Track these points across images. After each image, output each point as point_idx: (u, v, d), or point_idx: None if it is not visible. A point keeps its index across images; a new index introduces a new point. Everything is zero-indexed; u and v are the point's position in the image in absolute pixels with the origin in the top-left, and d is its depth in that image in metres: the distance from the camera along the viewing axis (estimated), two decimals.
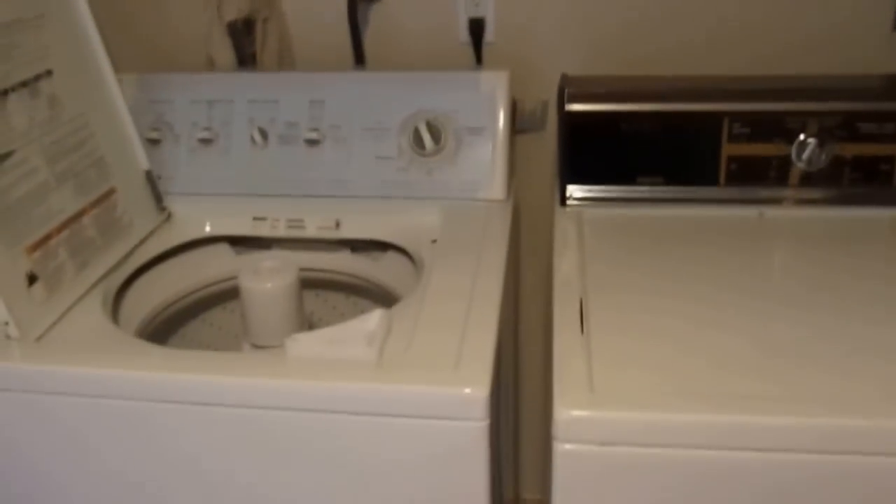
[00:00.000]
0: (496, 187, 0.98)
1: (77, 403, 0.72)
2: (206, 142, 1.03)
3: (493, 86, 0.98)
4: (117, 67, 0.94)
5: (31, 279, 0.78)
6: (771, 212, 0.95)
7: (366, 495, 0.71)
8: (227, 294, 1.04)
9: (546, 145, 1.14)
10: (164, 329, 0.98)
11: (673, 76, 1.03)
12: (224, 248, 1.04)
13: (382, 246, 0.99)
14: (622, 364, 0.69)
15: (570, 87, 0.96)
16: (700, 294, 0.78)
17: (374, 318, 0.73)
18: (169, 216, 1.00)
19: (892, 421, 0.62)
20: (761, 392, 0.65)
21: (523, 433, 1.32)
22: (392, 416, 0.67)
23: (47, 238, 0.81)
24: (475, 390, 0.66)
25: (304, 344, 0.72)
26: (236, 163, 1.03)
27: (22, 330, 0.75)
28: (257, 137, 1.02)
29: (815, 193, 0.96)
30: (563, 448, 0.64)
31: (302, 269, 0.92)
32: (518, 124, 1.11)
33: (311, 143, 1.01)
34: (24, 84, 0.81)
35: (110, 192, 0.91)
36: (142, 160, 0.97)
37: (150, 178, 0.98)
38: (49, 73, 0.85)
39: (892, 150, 0.94)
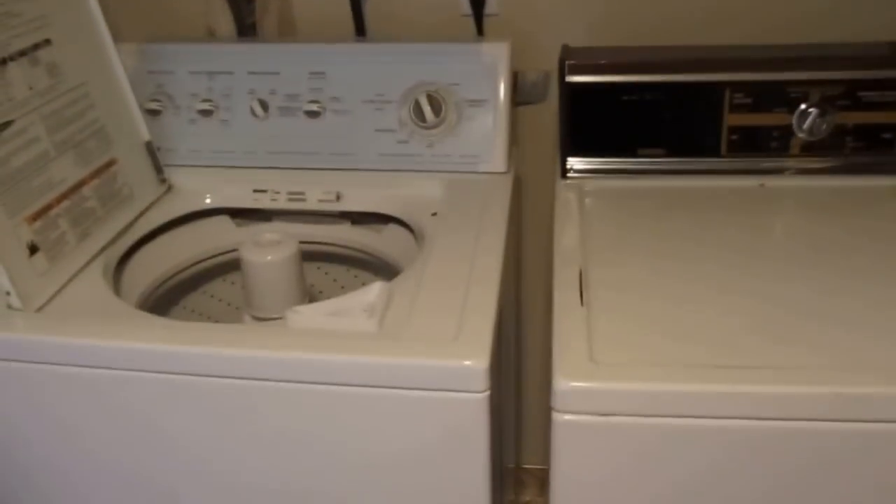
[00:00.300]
0: (497, 160, 0.98)
1: (79, 374, 0.73)
2: (206, 113, 1.03)
3: (495, 57, 0.97)
4: (117, 37, 0.94)
5: (33, 249, 0.78)
6: (772, 182, 0.95)
7: (366, 466, 0.72)
8: (229, 266, 1.04)
9: (548, 117, 1.13)
10: (165, 300, 0.99)
11: (674, 46, 1.02)
12: (225, 220, 1.04)
13: (383, 218, 0.99)
14: (622, 335, 0.69)
15: (570, 59, 0.95)
16: (701, 265, 0.78)
17: (375, 290, 0.74)
18: (169, 188, 1.00)
19: (889, 388, 0.62)
20: (761, 361, 0.65)
21: (525, 402, 1.33)
22: (392, 388, 0.68)
23: (48, 208, 0.81)
24: (475, 362, 0.66)
25: (305, 316, 0.72)
26: (237, 134, 1.02)
27: (24, 300, 0.75)
28: (258, 109, 1.01)
29: (816, 163, 0.95)
30: (562, 419, 0.65)
31: (302, 242, 0.92)
32: (519, 96, 1.10)
33: (312, 114, 1.00)
34: (22, 53, 0.81)
35: (111, 163, 0.91)
36: (142, 131, 0.97)
37: (151, 150, 0.98)
38: (48, 42, 0.85)
39: (894, 118, 0.93)
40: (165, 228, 0.97)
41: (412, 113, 0.98)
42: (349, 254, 1.04)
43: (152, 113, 1.03)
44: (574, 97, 0.96)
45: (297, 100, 1.01)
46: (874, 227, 0.84)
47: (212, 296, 1.06)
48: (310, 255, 1.04)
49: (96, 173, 0.89)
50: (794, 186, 0.94)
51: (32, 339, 0.73)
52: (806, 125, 0.94)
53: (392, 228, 0.99)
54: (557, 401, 0.64)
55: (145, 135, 0.97)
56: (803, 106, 0.93)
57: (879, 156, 0.94)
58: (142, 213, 0.95)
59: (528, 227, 1.21)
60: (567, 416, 0.65)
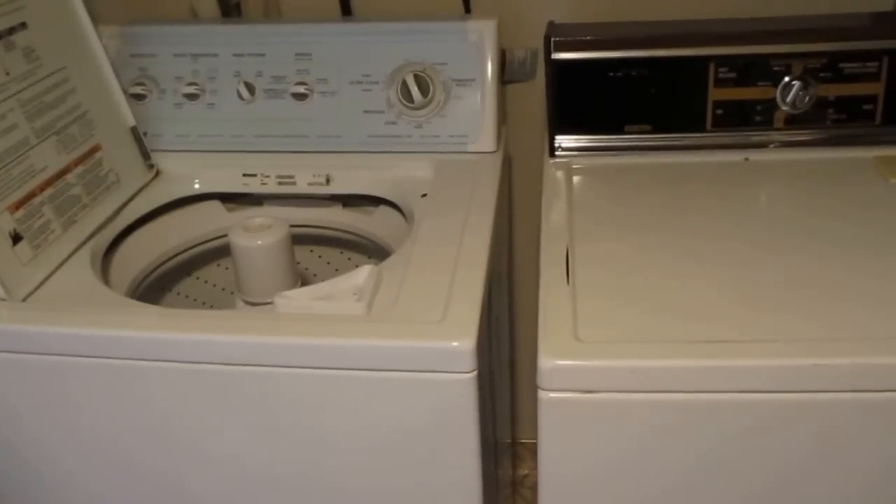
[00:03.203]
0: (486, 139, 0.98)
1: (66, 363, 0.72)
2: (191, 97, 1.02)
3: (481, 35, 0.97)
4: (97, 20, 0.93)
5: (16, 238, 0.77)
6: (757, 155, 0.95)
7: (357, 449, 0.73)
8: (221, 251, 1.04)
9: (536, 95, 1.13)
10: (157, 287, 0.99)
11: (659, 22, 1.02)
12: (215, 205, 1.03)
13: (374, 200, 0.99)
14: (607, 312, 0.69)
15: (556, 36, 0.95)
16: (686, 241, 0.79)
17: (363, 273, 0.74)
18: (157, 173, 1.00)
19: (870, 359, 0.63)
20: (747, 335, 0.65)
21: (519, 378, 1.34)
22: (380, 370, 0.68)
23: (30, 196, 0.80)
24: (462, 343, 0.66)
25: (294, 300, 0.72)
26: (224, 118, 1.02)
27: (8, 290, 0.75)
28: (244, 92, 1.01)
29: (799, 135, 0.96)
30: (547, 396, 0.65)
31: (294, 225, 0.92)
32: (507, 74, 1.09)
33: (299, 96, 1.00)
34: None
35: (95, 149, 0.91)
36: (127, 116, 0.97)
37: (136, 135, 0.98)
38: (24, 25, 0.84)
39: (874, 90, 0.93)
40: (154, 215, 0.97)
41: (399, 93, 0.98)
42: (341, 236, 1.04)
43: (137, 97, 1.02)
44: (560, 74, 0.95)
45: (284, 82, 1.00)
46: (858, 199, 0.85)
47: (205, 281, 1.07)
48: (302, 238, 1.04)
49: (80, 160, 0.88)
50: (779, 160, 0.94)
51: (17, 329, 0.72)
52: (789, 98, 0.94)
53: (383, 210, 0.99)
54: (543, 379, 0.65)
55: (130, 120, 0.97)
56: (787, 79, 0.93)
57: (861, 127, 0.95)
58: (129, 200, 0.94)
59: (519, 205, 1.21)
60: (552, 394, 0.65)
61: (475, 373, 0.68)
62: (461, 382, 0.68)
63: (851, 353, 0.63)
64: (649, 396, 0.65)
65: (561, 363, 0.64)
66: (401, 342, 0.67)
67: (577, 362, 0.65)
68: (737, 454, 0.67)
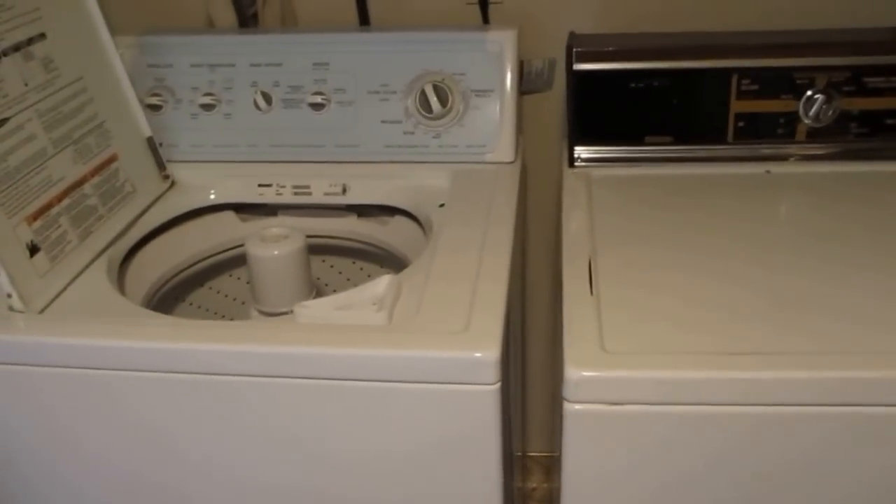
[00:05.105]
0: (504, 149, 0.97)
1: (84, 375, 0.71)
2: (208, 107, 1.02)
3: (501, 45, 0.97)
4: (114, 30, 0.92)
5: (33, 250, 0.77)
6: (778, 168, 0.94)
7: (377, 461, 0.72)
8: (234, 261, 1.03)
9: (554, 105, 1.12)
10: (170, 297, 0.98)
11: (681, 33, 1.02)
12: (229, 216, 1.03)
13: (390, 210, 0.98)
14: (632, 323, 0.68)
15: (578, 46, 0.94)
16: (708, 254, 0.78)
17: (383, 283, 0.73)
18: (172, 184, 0.99)
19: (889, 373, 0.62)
20: (772, 347, 0.65)
21: (529, 392, 1.32)
22: (403, 381, 0.67)
23: (47, 207, 0.80)
24: (486, 354, 0.65)
25: (314, 310, 0.72)
26: (240, 128, 1.02)
27: (25, 302, 0.74)
28: (261, 102, 1.01)
29: (821, 149, 0.95)
30: (573, 408, 0.64)
31: (308, 236, 0.91)
32: (525, 85, 1.09)
33: (316, 106, 0.99)
34: (16, 48, 0.80)
35: (111, 160, 0.91)
36: (143, 126, 0.96)
37: (152, 145, 0.97)
38: (42, 35, 0.84)
39: None
40: (169, 225, 0.97)
41: (418, 103, 0.97)
42: (356, 247, 1.03)
43: (153, 108, 1.02)
44: (581, 85, 0.95)
45: (301, 91, 1.00)
46: (880, 215, 0.84)
47: (218, 291, 1.06)
48: (316, 249, 1.03)
49: (97, 170, 0.88)
50: (800, 173, 0.94)
51: (35, 341, 0.72)
52: (812, 111, 0.93)
53: (399, 220, 0.98)
54: (569, 390, 0.64)
55: (146, 130, 0.97)
56: (809, 92, 0.93)
57: (884, 141, 0.94)
58: (145, 210, 0.94)
59: (533, 216, 1.20)
60: (578, 406, 0.64)
61: (499, 384, 0.66)
62: (485, 394, 0.66)
63: (880, 367, 0.62)
64: (676, 409, 0.64)
65: (588, 374, 0.64)
66: (424, 352, 0.66)
67: (605, 373, 0.64)
68: (765, 466, 0.66)
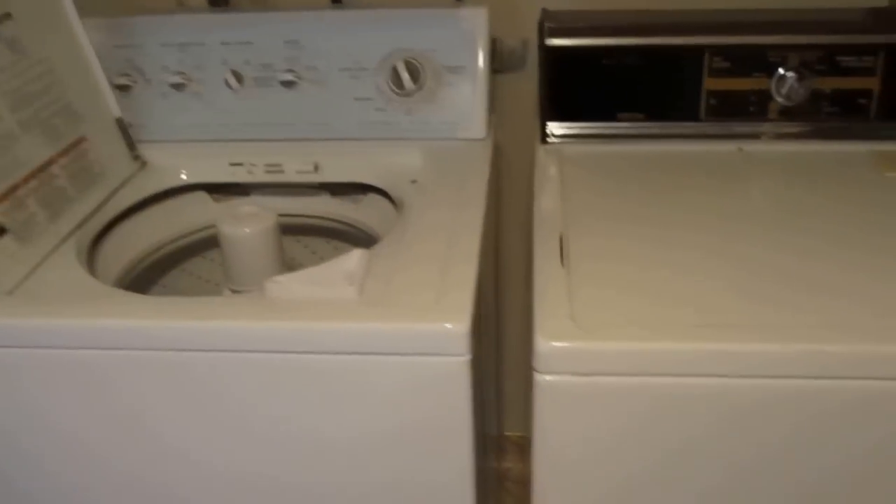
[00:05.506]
0: (476, 126, 0.97)
1: (54, 356, 0.70)
2: (178, 86, 1.01)
3: (473, 23, 0.96)
4: (82, 11, 0.91)
5: (1, 231, 0.76)
6: (750, 146, 0.95)
7: (349, 434, 0.71)
8: (207, 242, 1.02)
9: (527, 85, 1.12)
10: (143, 280, 0.97)
11: (654, 10, 1.02)
12: (202, 196, 1.02)
13: (362, 188, 0.98)
14: (603, 295, 0.69)
15: (550, 22, 0.94)
16: (680, 229, 0.78)
17: (354, 257, 0.73)
18: (143, 164, 0.98)
19: (870, 346, 0.62)
20: (743, 321, 0.65)
21: (506, 373, 1.33)
22: (374, 354, 0.67)
23: (14, 188, 0.79)
24: (456, 325, 0.65)
25: (284, 285, 0.71)
26: (211, 108, 1.01)
27: None
28: (232, 81, 1.00)
29: (793, 127, 0.96)
30: (543, 380, 0.64)
31: (281, 215, 0.91)
32: (497, 64, 1.09)
33: (288, 84, 0.99)
34: None
35: (80, 141, 0.89)
36: (112, 107, 0.95)
37: (122, 126, 0.96)
38: (8, 15, 0.82)
39: (870, 84, 0.93)
40: (141, 206, 0.96)
41: (390, 80, 0.97)
42: (329, 225, 1.03)
43: (122, 88, 1.01)
44: (554, 61, 0.95)
45: (272, 70, 0.99)
46: (853, 191, 0.84)
47: (191, 273, 1.05)
48: (289, 229, 1.02)
49: (65, 152, 0.87)
50: (772, 151, 0.94)
51: (4, 323, 0.70)
52: (784, 90, 0.94)
53: (371, 198, 0.98)
54: (539, 361, 0.64)
55: (115, 111, 0.95)
56: (781, 70, 0.93)
57: (854, 121, 0.95)
58: (115, 192, 0.93)
59: (508, 195, 1.20)
60: (548, 377, 0.64)
61: (470, 357, 0.66)
62: (456, 365, 0.66)
63: (847, 341, 0.63)
64: (647, 380, 0.64)
65: (558, 345, 0.63)
66: (395, 325, 0.66)
67: (575, 344, 0.64)
68: (738, 439, 0.66)
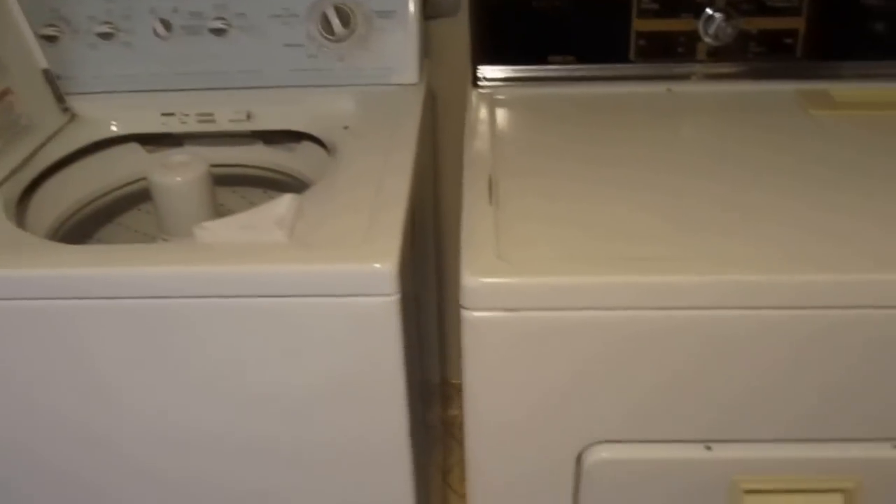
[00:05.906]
0: (409, 71, 0.97)
1: None
2: (106, 36, 0.98)
3: None
4: None
5: None
6: (679, 87, 0.96)
7: (282, 377, 0.72)
8: (142, 195, 1.01)
9: (463, 31, 1.11)
10: (77, 234, 0.95)
11: None
12: (134, 148, 1.00)
13: (296, 136, 0.97)
14: (530, 232, 0.69)
15: None
16: (610, 167, 0.79)
17: (284, 202, 0.73)
18: (73, 117, 0.96)
19: (786, 276, 0.64)
20: (669, 252, 0.66)
21: (448, 319, 1.34)
22: (304, 296, 0.67)
23: None
24: (384, 265, 0.66)
25: (213, 231, 0.71)
26: (140, 57, 0.99)
27: None
28: (160, 29, 0.98)
29: (721, 68, 0.97)
30: (471, 316, 0.65)
31: (216, 165, 0.90)
32: (430, 9, 1.08)
33: (217, 32, 0.97)
34: None
35: (5, 93, 0.87)
36: (38, 58, 0.93)
37: (49, 77, 0.94)
38: None
39: (796, 24, 0.95)
40: (71, 159, 0.94)
41: (320, 26, 0.96)
42: (264, 175, 1.02)
43: (49, 39, 0.98)
44: (483, 2, 0.95)
45: (201, 17, 0.97)
46: (779, 129, 0.86)
47: (127, 227, 1.03)
48: (224, 179, 1.01)
49: None
50: (701, 92, 0.96)
51: None
52: (712, 30, 0.95)
53: (305, 146, 0.97)
54: (466, 297, 0.65)
55: (42, 62, 0.93)
56: (709, 11, 0.94)
57: (782, 61, 0.96)
58: (43, 145, 0.91)
59: (446, 141, 1.21)
60: (476, 314, 0.65)
61: (398, 296, 0.67)
62: (384, 305, 0.67)
63: (777, 271, 0.64)
64: (574, 314, 0.65)
65: (485, 281, 0.64)
66: (323, 266, 0.67)
67: (501, 279, 0.64)
68: (663, 369, 0.67)
